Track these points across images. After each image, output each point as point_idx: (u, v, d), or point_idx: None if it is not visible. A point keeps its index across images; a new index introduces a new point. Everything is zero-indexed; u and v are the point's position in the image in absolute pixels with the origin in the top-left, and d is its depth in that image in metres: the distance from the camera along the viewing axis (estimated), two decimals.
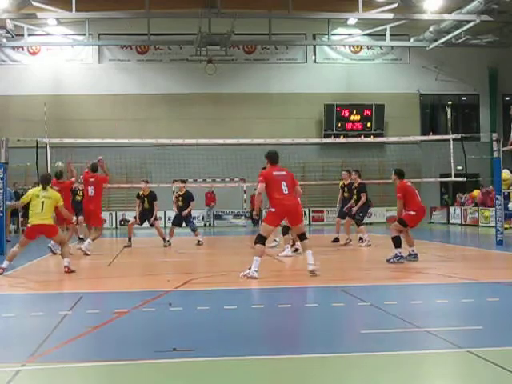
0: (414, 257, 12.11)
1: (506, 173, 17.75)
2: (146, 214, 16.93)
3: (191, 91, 31.21)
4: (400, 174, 12.51)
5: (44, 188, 11.53)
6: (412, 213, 11.98)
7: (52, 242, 14.13)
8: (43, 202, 11.38)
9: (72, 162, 16.41)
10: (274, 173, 10.29)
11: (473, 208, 27.11)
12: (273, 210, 10.14)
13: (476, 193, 27.03)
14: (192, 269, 11.70)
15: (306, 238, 10.39)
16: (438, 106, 33.44)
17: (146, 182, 17.77)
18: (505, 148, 16.29)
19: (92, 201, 15.02)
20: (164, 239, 16.89)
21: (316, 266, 10.09)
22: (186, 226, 17.76)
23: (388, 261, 11.78)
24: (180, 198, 17.49)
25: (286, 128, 28.89)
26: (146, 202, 16.93)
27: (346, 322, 6.86)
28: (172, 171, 25.77)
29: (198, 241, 17.19)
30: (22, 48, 30.65)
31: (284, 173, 10.39)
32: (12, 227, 23.32)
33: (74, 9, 24.42)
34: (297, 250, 13.40)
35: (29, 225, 11.47)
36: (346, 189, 16.90)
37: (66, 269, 11.08)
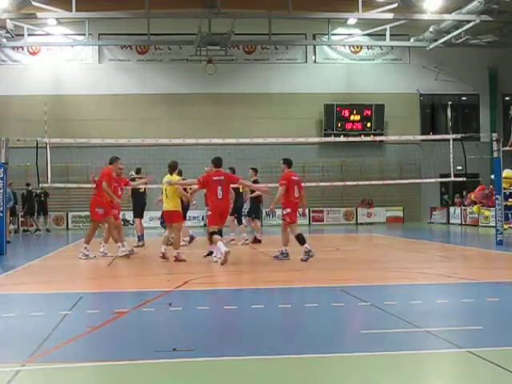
0: (286, 256, 12.61)
1: (508, 172, 17.84)
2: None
3: (191, 91, 31.19)
4: (289, 163, 12.96)
5: (171, 174, 13.04)
6: (288, 210, 12.58)
7: (86, 246, 13.69)
8: (166, 189, 12.92)
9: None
10: (214, 178, 12.20)
11: (473, 208, 27.06)
12: (209, 213, 12.35)
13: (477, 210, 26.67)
14: (192, 269, 11.69)
15: (219, 235, 12.13)
16: (438, 105, 33.42)
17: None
18: (505, 148, 16.29)
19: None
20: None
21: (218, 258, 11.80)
22: None
23: (302, 260, 12.20)
24: None
25: (286, 128, 28.86)
26: None
27: (346, 322, 6.86)
28: None
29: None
30: (22, 48, 30.62)
31: (222, 177, 12.24)
32: (12, 227, 23.31)
33: (74, 9, 24.41)
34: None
35: None
36: None
37: (174, 258, 12.52)
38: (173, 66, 31.42)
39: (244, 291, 8.95)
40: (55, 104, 28.51)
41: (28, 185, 26.37)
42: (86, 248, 13.37)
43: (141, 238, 16.71)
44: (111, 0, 26.68)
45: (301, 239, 12.39)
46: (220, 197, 12.07)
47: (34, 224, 27.64)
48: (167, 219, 13.16)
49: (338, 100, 31.77)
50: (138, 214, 17.05)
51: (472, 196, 26.72)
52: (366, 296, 7.98)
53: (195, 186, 13.09)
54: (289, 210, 12.57)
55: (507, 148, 16.46)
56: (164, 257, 12.79)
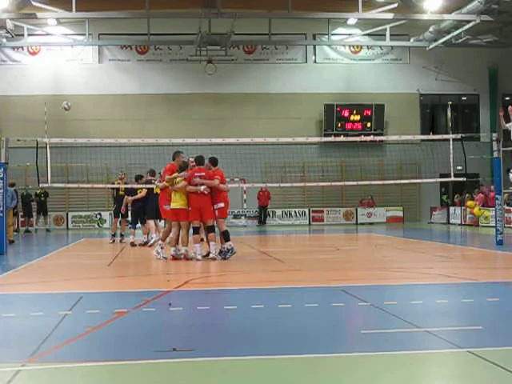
0: (232, 252, 12.83)
1: None
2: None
3: (191, 91, 31.19)
4: (215, 162, 13.34)
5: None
6: (221, 205, 12.99)
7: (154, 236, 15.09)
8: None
9: None
10: (196, 174, 12.74)
11: (474, 211, 26.99)
12: (189, 208, 12.70)
13: (473, 205, 26.70)
14: (192, 269, 11.70)
15: (212, 231, 12.80)
16: (438, 105, 33.43)
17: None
18: (507, 125, 15.98)
19: None
20: None
21: (214, 255, 12.56)
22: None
23: (224, 258, 12.56)
24: None
25: (286, 128, 28.85)
26: None
27: (346, 322, 6.86)
28: None
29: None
30: (22, 48, 30.62)
31: (203, 174, 12.77)
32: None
33: (74, 9, 24.41)
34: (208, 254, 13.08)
35: None
36: None
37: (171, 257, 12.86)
38: (173, 65, 31.42)
39: (244, 291, 8.93)
40: (55, 104, 28.40)
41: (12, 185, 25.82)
42: (172, 248, 13.23)
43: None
44: (111, 0, 26.68)
45: (226, 236, 12.82)
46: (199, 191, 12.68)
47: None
48: (174, 217, 13.00)
49: (338, 100, 31.77)
50: (152, 215, 16.60)
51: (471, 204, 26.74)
52: (365, 296, 7.98)
53: (184, 184, 13.04)
54: (222, 204, 12.96)
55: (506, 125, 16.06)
56: (185, 257, 12.76)
